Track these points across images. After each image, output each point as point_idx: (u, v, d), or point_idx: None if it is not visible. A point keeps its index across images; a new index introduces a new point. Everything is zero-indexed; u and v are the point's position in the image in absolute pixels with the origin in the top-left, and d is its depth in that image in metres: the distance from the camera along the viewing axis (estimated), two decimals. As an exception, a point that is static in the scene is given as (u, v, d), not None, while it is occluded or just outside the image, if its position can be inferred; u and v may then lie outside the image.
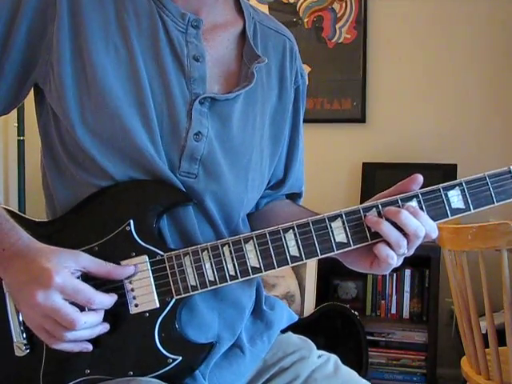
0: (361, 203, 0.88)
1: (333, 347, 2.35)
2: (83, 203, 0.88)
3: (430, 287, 2.62)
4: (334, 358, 1.04)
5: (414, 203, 0.86)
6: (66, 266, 0.79)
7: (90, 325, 0.80)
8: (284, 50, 1.04)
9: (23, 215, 0.90)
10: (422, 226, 0.83)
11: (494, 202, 0.87)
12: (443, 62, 2.89)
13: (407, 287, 2.76)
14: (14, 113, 2.82)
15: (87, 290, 0.80)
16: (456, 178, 0.87)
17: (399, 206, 0.85)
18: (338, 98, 2.99)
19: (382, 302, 2.80)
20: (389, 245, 0.84)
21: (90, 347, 0.83)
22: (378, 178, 2.85)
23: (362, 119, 2.97)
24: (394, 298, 2.78)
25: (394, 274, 2.78)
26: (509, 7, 2.81)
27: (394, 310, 2.78)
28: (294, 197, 1.13)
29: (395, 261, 0.84)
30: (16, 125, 2.86)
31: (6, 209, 0.87)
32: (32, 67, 0.88)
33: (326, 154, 3.00)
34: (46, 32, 0.86)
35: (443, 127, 2.90)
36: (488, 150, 2.83)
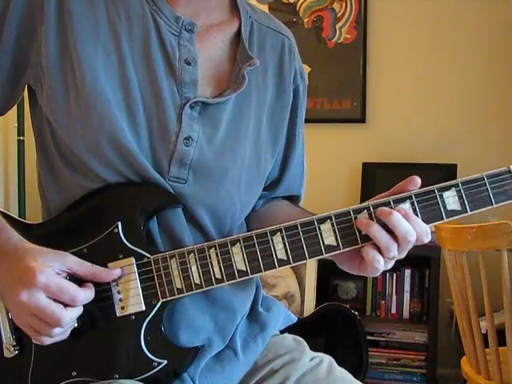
0: (360, 204, 0.85)
1: (333, 347, 2.37)
2: (74, 205, 0.88)
3: (430, 287, 2.62)
4: (327, 359, 1.01)
5: (407, 205, 0.83)
6: (51, 266, 0.79)
7: (74, 319, 0.81)
8: (282, 49, 1.01)
9: (15, 217, 0.90)
10: (413, 230, 0.81)
11: (492, 204, 0.83)
12: (443, 62, 2.89)
13: (407, 287, 2.75)
14: (14, 113, 2.82)
15: (71, 288, 0.80)
16: (456, 178, 0.83)
17: (391, 208, 0.82)
18: (338, 98, 2.99)
19: (382, 302, 2.80)
20: (378, 248, 0.82)
21: (74, 324, 0.83)
22: (378, 177, 2.85)
23: (362, 119, 2.97)
24: (394, 298, 2.78)
25: (394, 274, 2.78)
26: (509, 8, 2.81)
27: (394, 310, 2.78)
28: (293, 200, 1.10)
29: (382, 265, 0.82)
30: (16, 125, 2.86)
31: None
32: (23, 69, 0.88)
33: (326, 154, 3.00)
34: (36, 34, 0.87)
35: (443, 127, 2.89)
36: (488, 150, 2.83)
